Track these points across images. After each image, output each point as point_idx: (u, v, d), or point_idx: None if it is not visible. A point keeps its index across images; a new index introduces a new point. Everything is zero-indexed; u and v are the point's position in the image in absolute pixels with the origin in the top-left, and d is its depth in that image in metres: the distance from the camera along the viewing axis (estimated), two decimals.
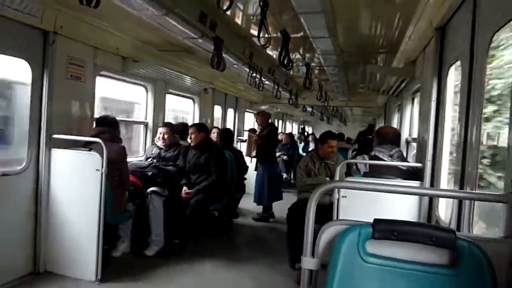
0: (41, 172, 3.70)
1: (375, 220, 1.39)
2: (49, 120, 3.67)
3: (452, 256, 1.34)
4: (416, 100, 4.64)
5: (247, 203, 6.96)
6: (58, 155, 3.71)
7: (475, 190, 2.00)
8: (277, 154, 8.66)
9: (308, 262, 1.46)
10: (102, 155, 3.52)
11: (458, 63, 2.51)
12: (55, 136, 3.69)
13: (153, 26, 3.55)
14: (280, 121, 14.96)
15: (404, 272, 1.34)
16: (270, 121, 7.11)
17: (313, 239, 1.49)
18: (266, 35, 3.23)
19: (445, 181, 2.93)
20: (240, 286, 3.90)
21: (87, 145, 3.82)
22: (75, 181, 3.66)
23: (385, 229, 1.37)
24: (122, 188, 4.05)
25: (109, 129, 3.99)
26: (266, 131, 6.65)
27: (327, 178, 4.59)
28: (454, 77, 2.82)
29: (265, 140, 6.56)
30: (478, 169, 2.02)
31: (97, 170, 3.54)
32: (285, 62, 3.92)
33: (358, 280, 1.35)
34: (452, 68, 2.77)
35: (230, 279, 4.05)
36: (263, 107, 10.37)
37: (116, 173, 3.93)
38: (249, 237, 5.71)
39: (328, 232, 1.49)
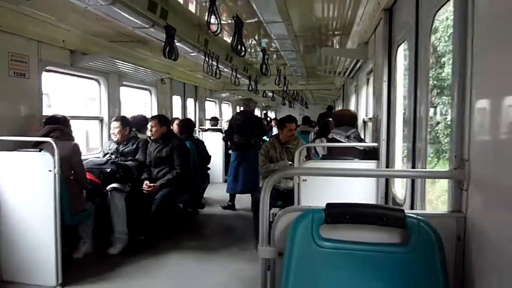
0: None
1: (328, 204, 1.39)
2: None
3: (402, 234, 1.37)
4: (371, 81, 4.74)
5: (214, 192, 6.91)
6: (5, 158, 3.49)
7: (425, 167, 2.07)
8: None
9: (265, 251, 1.45)
10: (54, 155, 3.35)
11: (406, 42, 2.56)
12: (0, 138, 3.48)
13: (101, 17, 3.40)
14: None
15: (358, 254, 1.36)
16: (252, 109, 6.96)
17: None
18: (216, 21, 3.16)
19: (400, 159, 3.02)
20: (209, 275, 3.89)
21: (37, 146, 3.63)
22: (26, 184, 3.45)
23: (337, 213, 1.38)
24: (78, 187, 3.91)
25: (60, 127, 3.83)
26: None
27: (289, 163, 4.62)
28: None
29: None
30: (427, 145, 2.08)
31: (50, 171, 3.36)
32: (239, 48, 3.86)
33: (313, 266, 1.36)
34: (401, 48, 2.83)
35: (198, 269, 4.02)
36: (223, 95, 10.28)
37: (71, 172, 3.79)
38: (216, 226, 5.68)
39: (283, 219, 1.48)
